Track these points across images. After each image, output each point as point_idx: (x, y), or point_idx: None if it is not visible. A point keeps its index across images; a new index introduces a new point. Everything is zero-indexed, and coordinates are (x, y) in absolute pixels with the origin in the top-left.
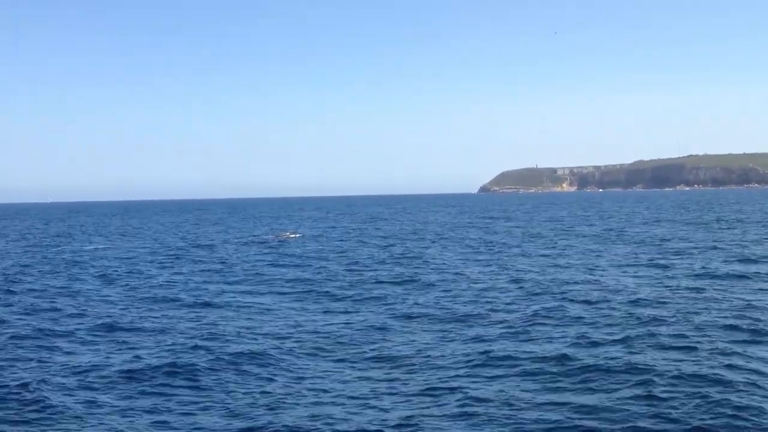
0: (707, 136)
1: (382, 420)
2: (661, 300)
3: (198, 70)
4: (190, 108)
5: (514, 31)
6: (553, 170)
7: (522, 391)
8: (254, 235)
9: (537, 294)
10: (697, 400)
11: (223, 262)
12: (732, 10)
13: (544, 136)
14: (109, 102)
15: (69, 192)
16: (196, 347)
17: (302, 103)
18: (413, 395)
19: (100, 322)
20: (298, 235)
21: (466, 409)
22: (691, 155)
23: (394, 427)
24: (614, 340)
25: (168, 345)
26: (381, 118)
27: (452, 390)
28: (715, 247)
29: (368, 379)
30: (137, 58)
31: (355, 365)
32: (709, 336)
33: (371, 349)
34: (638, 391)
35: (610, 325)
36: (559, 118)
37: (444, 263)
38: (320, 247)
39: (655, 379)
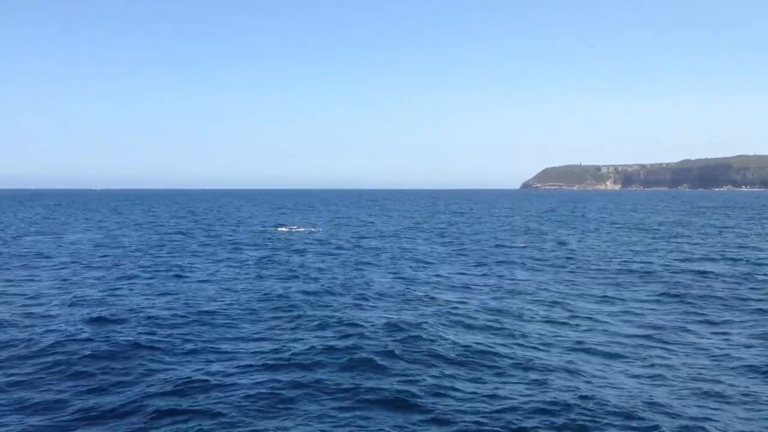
0: (756, 137)
1: None
2: None
3: (215, 64)
4: (201, 103)
5: (563, 32)
6: (597, 168)
7: None
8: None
9: None
10: None
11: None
12: None
13: (589, 133)
14: (142, 96)
15: (96, 181)
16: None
17: (342, 99)
18: None
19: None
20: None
21: None
22: (739, 155)
23: None
24: None
25: None
26: (420, 113)
27: None
28: None
29: None
30: (165, 51)
31: None
32: None
33: None
34: None
35: None
36: (605, 116)
37: None
38: None
39: None
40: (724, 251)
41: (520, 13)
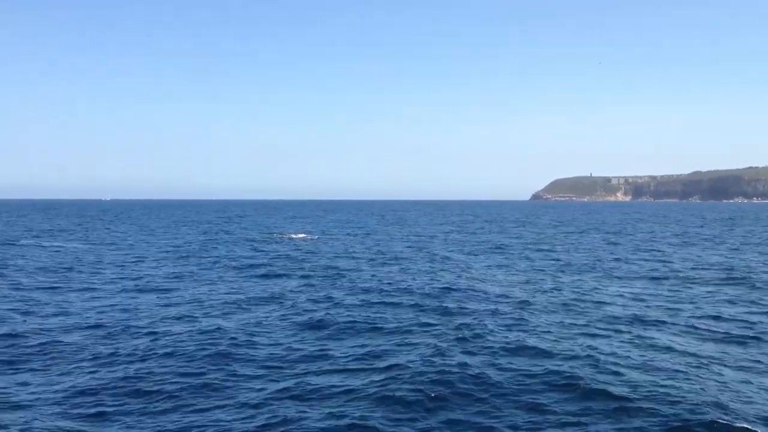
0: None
1: None
2: None
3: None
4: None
5: (570, 42)
6: (608, 179)
7: None
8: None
9: None
10: None
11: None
12: None
13: (599, 144)
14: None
15: (102, 191)
16: None
17: (358, 107)
18: None
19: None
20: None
21: None
22: (750, 167)
23: None
24: None
25: None
26: (428, 123)
27: None
28: None
29: None
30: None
31: None
32: None
33: None
34: None
35: None
36: (616, 127)
37: None
38: None
39: None
40: (717, 261)
41: (526, 21)
